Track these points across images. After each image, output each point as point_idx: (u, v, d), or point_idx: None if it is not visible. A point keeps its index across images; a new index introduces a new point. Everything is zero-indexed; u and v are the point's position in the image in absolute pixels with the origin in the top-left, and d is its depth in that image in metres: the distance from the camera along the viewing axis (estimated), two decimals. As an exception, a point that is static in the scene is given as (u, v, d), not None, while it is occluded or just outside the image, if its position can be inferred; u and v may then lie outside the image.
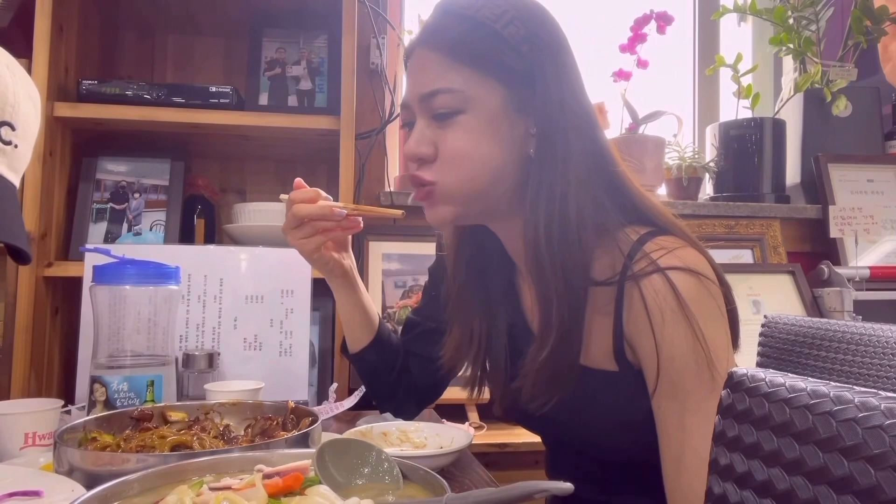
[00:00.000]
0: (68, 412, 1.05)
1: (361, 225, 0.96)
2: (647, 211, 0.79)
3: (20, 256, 0.69)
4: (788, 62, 2.09)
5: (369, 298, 1.03)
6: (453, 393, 1.55)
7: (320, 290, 1.36)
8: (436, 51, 0.78)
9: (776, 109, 2.06)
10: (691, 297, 0.71)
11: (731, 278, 0.78)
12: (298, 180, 0.94)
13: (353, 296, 1.00)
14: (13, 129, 0.68)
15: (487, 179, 0.78)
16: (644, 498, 0.80)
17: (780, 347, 0.99)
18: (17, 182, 0.71)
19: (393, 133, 1.80)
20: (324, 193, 0.93)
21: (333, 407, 1.15)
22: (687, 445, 0.69)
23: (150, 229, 1.47)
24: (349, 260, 0.99)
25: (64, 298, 1.42)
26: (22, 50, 1.38)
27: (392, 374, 1.02)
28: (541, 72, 0.77)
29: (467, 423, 1.45)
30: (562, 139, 0.76)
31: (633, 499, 0.84)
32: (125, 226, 1.47)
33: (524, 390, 0.79)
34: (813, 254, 1.90)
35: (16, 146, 0.69)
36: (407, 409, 1.05)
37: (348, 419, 1.16)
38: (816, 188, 1.92)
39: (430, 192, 0.79)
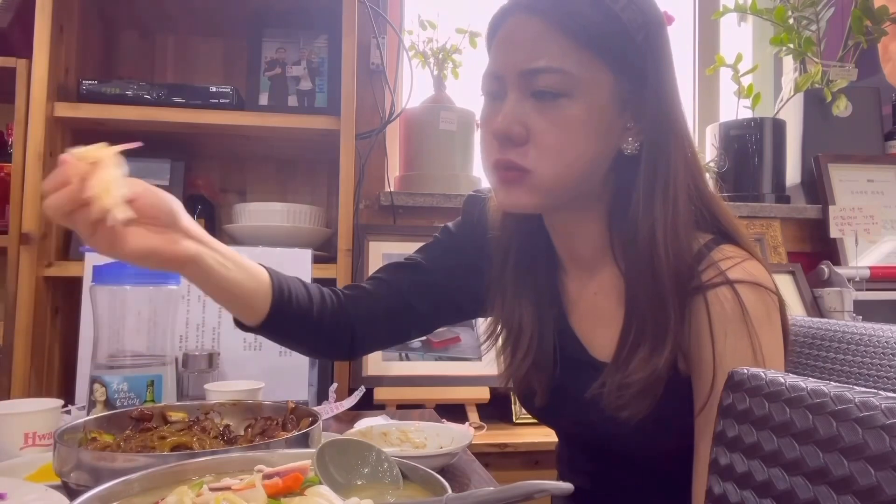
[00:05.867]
0: (68, 412, 1.05)
1: None
2: (719, 217, 0.76)
3: None
4: (788, 62, 2.09)
5: (240, 262, 0.83)
6: (453, 393, 1.54)
7: (320, 290, 1.36)
8: (545, 20, 0.70)
9: (776, 109, 2.06)
10: (756, 312, 0.69)
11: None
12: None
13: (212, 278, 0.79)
14: None
15: (582, 173, 0.73)
16: (661, 500, 0.80)
17: (780, 347, 0.98)
18: None
19: (393, 133, 1.80)
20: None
21: (333, 407, 1.15)
22: None
23: (150, 229, 1.47)
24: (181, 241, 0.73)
25: (64, 298, 1.42)
26: (22, 50, 1.38)
27: (319, 322, 0.87)
28: (654, 65, 0.72)
29: (467, 423, 1.45)
30: (671, 139, 0.73)
31: (650, 500, 0.84)
32: (125, 226, 1.47)
33: (609, 400, 0.73)
34: (813, 254, 1.90)
35: None
36: (347, 353, 0.93)
37: (348, 419, 1.15)
38: (816, 188, 1.92)
39: (519, 178, 0.72)
